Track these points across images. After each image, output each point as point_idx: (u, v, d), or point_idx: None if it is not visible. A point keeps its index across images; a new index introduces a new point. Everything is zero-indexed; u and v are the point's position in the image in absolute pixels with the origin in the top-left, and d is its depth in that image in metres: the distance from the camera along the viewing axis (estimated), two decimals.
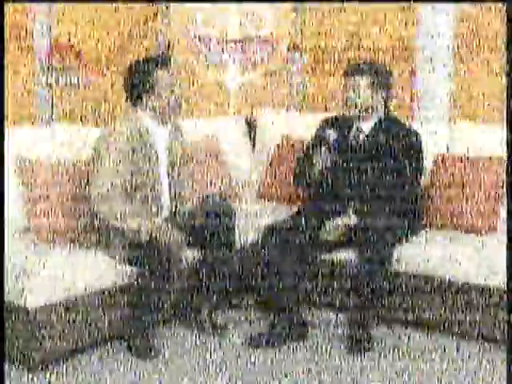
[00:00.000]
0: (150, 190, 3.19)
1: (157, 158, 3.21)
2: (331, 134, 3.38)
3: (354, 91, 3.36)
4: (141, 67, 3.14)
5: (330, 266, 3.46)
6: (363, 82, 3.34)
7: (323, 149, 3.36)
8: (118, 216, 3.04)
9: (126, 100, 3.23)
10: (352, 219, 3.26)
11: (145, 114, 3.18)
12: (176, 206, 3.32)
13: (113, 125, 3.17)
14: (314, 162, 3.38)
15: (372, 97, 3.37)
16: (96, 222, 3.17)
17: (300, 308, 3.32)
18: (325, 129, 3.44)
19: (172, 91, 3.16)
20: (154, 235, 3.03)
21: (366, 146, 3.40)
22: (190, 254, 3.34)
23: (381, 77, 3.37)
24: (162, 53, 3.24)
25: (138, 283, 3.07)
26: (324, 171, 3.40)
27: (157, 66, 3.14)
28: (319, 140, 3.44)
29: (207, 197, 3.40)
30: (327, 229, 3.29)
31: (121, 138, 3.09)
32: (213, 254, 3.29)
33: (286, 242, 3.29)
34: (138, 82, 3.14)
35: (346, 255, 3.38)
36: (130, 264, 3.11)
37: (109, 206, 3.05)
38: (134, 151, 3.12)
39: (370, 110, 3.40)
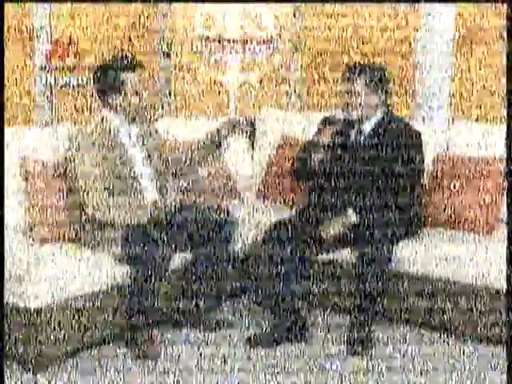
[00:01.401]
0: (129, 187, 3.22)
1: (129, 155, 3.25)
2: (331, 134, 3.39)
3: (352, 92, 3.37)
4: (108, 69, 3.24)
5: (329, 267, 3.46)
6: (361, 83, 3.35)
7: (322, 149, 3.37)
8: (106, 212, 3.11)
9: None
10: (352, 218, 3.27)
11: (112, 114, 3.26)
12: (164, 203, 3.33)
13: (83, 125, 3.26)
14: (313, 161, 3.40)
15: (371, 97, 3.37)
16: (87, 219, 3.19)
17: (300, 308, 3.32)
18: (325, 128, 3.44)
19: (139, 92, 3.24)
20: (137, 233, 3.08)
21: (367, 145, 3.41)
22: (183, 255, 3.33)
23: (378, 77, 3.38)
24: (130, 55, 3.35)
25: (130, 282, 3.09)
26: (324, 171, 3.41)
27: (123, 68, 3.22)
28: (319, 139, 3.44)
29: (206, 208, 3.40)
30: (327, 227, 3.30)
31: (90, 139, 3.17)
32: (208, 256, 3.30)
33: (287, 242, 3.29)
34: (106, 84, 3.23)
35: (346, 255, 3.38)
36: (123, 262, 3.12)
37: (96, 204, 3.11)
38: (105, 150, 3.17)
39: (369, 110, 3.40)
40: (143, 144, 3.35)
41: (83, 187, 3.13)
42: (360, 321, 3.18)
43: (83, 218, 3.22)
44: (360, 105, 3.37)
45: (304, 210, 3.51)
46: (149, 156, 3.36)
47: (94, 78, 3.28)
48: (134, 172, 3.27)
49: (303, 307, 3.37)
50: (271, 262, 3.26)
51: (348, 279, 3.35)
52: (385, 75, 3.43)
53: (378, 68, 3.45)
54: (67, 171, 3.25)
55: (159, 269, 3.05)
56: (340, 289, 3.44)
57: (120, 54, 3.30)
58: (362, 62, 3.57)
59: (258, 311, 3.51)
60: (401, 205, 3.30)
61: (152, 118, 3.51)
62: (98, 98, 3.30)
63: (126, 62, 3.26)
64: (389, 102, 3.48)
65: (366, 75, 3.35)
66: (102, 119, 3.25)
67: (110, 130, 3.24)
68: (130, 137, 3.31)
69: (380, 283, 3.15)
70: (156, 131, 3.48)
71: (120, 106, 3.24)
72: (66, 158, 3.25)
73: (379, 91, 3.39)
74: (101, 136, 3.20)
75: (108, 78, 3.21)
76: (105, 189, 3.14)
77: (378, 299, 3.19)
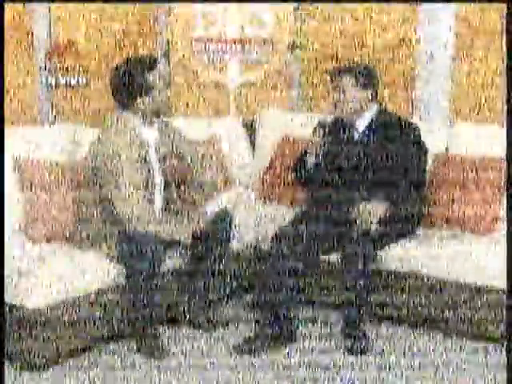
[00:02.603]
0: (145, 190, 3.15)
1: (148, 158, 3.18)
2: (324, 134, 3.39)
3: (340, 92, 3.38)
4: (131, 69, 3.09)
5: (326, 266, 3.46)
6: (347, 82, 3.37)
7: (316, 150, 3.39)
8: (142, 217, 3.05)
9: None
10: (383, 205, 3.21)
11: (133, 116, 3.15)
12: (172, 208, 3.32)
13: (103, 131, 3.14)
14: (309, 164, 3.40)
15: (359, 96, 3.38)
16: (93, 220, 3.18)
17: (292, 310, 3.27)
18: (320, 129, 3.44)
19: (162, 91, 3.15)
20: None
21: (362, 143, 3.41)
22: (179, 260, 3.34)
23: (364, 75, 3.40)
24: (151, 55, 3.25)
25: (127, 281, 3.09)
26: (320, 172, 3.42)
27: (147, 68, 3.10)
28: (312, 142, 3.44)
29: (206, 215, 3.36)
30: (360, 213, 3.20)
31: (115, 146, 3.06)
32: (206, 259, 3.30)
33: (295, 247, 3.26)
34: (129, 85, 3.09)
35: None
36: (120, 261, 3.12)
37: (133, 208, 3.05)
38: (128, 154, 3.09)
39: (360, 109, 3.42)
40: (158, 148, 3.25)
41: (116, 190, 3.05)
42: (356, 320, 3.17)
43: (88, 216, 3.19)
44: (349, 104, 3.38)
45: (305, 213, 3.50)
46: (162, 158, 3.27)
47: (114, 81, 3.11)
48: (150, 173, 3.19)
49: (299, 308, 3.36)
50: (281, 266, 3.23)
51: (342, 277, 3.32)
52: (372, 73, 3.45)
53: (365, 66, 3.50)
54: (84, 171, 3.19)
55: (155, 267, 3.03)
56: (336, 288, 3.43)
57: (137, 55, 3.15)
58: (347, 63, 3.61)
59: (252, 313, 3.49)
60: (400, 203, 3.31)
61: (171, 120, 3.43)
62: (117, 100, 3.14)
63: (148, 61, 3.13)
64: (381, 99, 3.51)
65: (352, 75, 3.37)
66: (122, 123, 3.13)
67: (131, 134, 3.12)
68: (149, 139, 3.20)
69: (364, 281, 3.13)
70: (180, 134, 3.39)
71: (145, 106, 3.12)
72: (85, 158, 3.17)
73: (368, 89, 3.39)
74: (125, 138, 3.09)
75: (134, 80, 3.07)
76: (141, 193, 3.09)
77: (374, 297, 3.19)
